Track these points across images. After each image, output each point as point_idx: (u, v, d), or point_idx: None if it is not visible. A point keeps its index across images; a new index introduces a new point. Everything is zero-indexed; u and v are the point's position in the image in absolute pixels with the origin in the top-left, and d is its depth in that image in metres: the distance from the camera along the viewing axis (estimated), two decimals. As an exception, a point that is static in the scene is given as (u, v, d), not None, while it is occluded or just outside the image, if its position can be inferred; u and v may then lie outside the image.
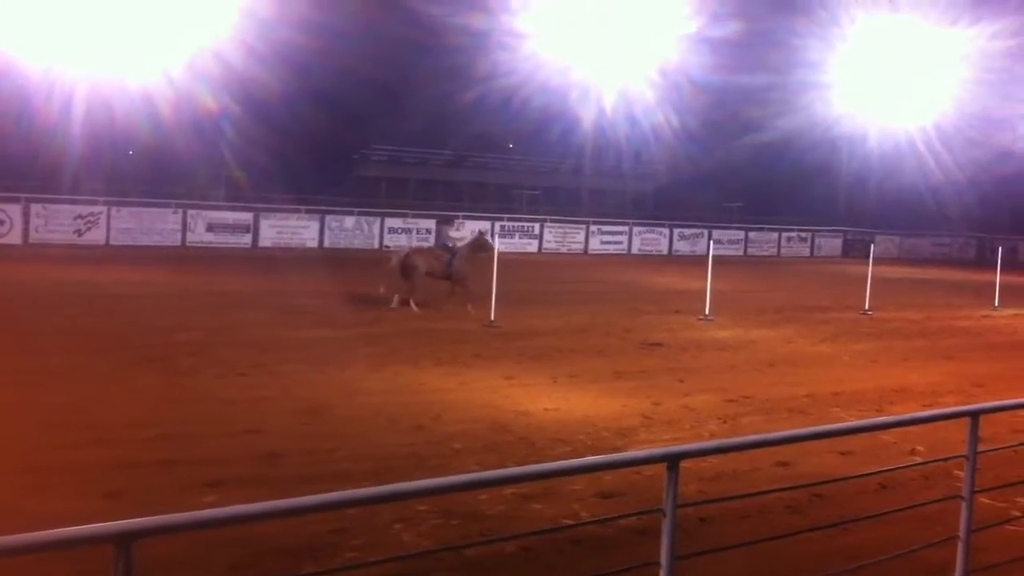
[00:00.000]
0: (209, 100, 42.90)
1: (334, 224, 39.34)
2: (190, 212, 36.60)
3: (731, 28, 48.35)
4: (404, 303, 20.30)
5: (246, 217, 37.94)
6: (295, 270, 27.59)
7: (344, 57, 44.96)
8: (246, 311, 19.08)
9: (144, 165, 45.59)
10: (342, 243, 38.83)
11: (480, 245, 22.15)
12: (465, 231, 41.76)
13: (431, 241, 29.34)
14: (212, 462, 8.78)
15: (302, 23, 41.88)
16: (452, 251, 21.41)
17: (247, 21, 40.20)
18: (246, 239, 37.25)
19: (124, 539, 3.08)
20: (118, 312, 18.09)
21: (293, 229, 38.57)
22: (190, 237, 36.10)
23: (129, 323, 16.78)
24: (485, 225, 41.90)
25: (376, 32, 46.13)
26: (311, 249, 37.58)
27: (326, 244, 38.53)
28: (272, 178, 43.85)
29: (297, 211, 39.60)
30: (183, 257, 31.61)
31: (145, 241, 34.71)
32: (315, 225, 39.00)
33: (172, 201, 37.04)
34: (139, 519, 3.13)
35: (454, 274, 21.13)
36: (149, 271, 25.98)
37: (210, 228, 36.71)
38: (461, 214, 43.58)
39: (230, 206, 39.44)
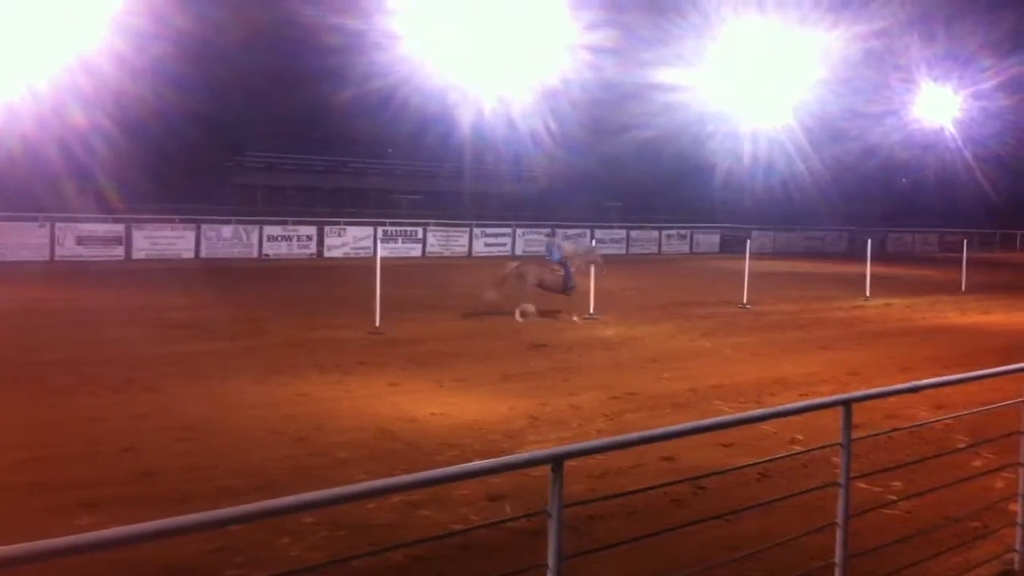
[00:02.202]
0: (77, 113, 41.45)
1: (211, 234, 38.41)
2: (58, 225, 35.30)
3: (606, 31, 48.96)
4: (519, 311, 20.63)
5: (117, 229, 36.78)
6: (171, 282, 26.85)
7: (215, 63, 44.00)
8: (120, 327, 18.46)
9: (8, 180, 43.75)
10: (220, 253, 37.94)
11: (591, 260, 22.34)
12: (348, 236, 41.45)
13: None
14: (86, 483, 8.48)
15: (173, 32, 40.84)
16: (565, 264, 21.47)
17: (116, 32, 39.02)
18: (118, 251, 36.12)
19: (-18, 570, 2.92)
20: (-17, 331, 17.32)
21: (168, 240, 37.54)
22: (59, 251, 34.83)
23: (-5, 342, 16.07)
24: (367, 231, 41.58)
25: (249, 39, 45.25)
26: (187, 260, 36.63)
27: (203, 254, 37.59)
28: (146, 189, 42.55)
29: (171, 221, 38.56)
30: (52, 272, 30.46)
31: (11, 257, 33.30)
32: (191, 235, 38.03)
33: (39, 215, 35.66)
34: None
35: (570, 288, 21.17)
36: (16, 287, 24.95)
37: (80, 241, 35.49)
38: (343, 220, 43.18)
39: (100, 218, 38.09)
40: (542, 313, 21.13)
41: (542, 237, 28.60)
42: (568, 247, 23.28)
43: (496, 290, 20.97)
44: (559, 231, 27.43)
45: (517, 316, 20.58)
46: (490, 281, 21.27)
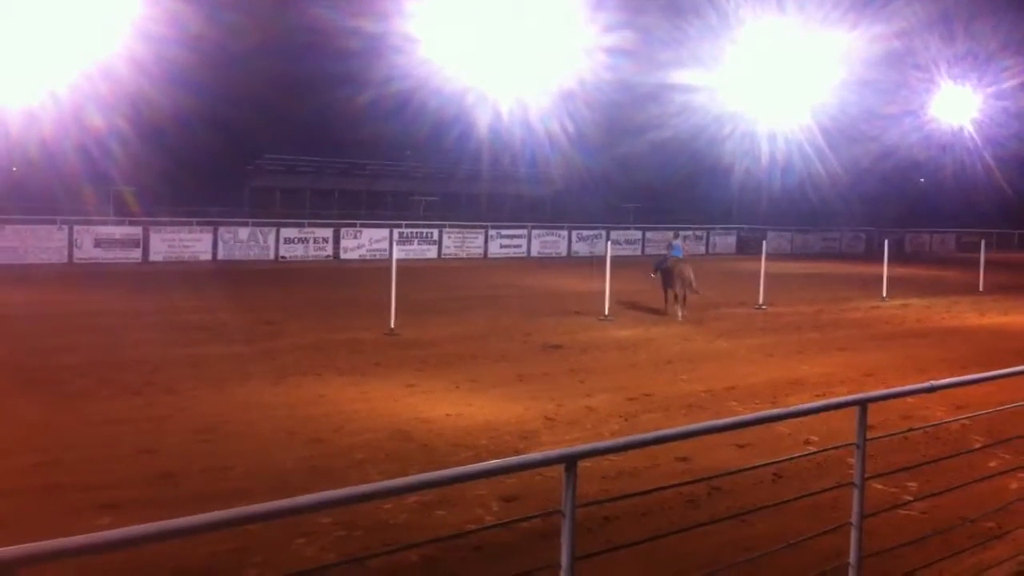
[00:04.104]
0: (96, 117, 41.71)
1: (227, 236, 38.48)
2: (76, 228, 35.46)
3: (623, 32, 48.97)
4: (674, 308, 22.26)
5: (135, 231, 36.91)
6: (188, 285, 26.99)
7: (233, 66, 44.23)
8: (138, 329, 18.56)
9: (28, 183, 44.07)
10: (237, 255, 38.02)
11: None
12: (364, 238, 41.56)
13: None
14: (106, 485, 8.54)
15: (191, 37, 41.03)
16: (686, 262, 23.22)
17: (134, 38, 39.25)
18: (136, 254, 36.26)
19: (7, 568, 2.95)
20: (2, 334, 17.43)
21: (185, 242, 37.65)
22: (77, 254, 34.99)
23: (14, 345, 16.16)
24: (383, 233, 41.67)
25: (266, 43, 45.45)
26: (204, 262, 36.76)
27: (220, 257, 37.68)
28: (163, 193, 42.77)
29: (188, 223, 38.71)
30: (71, 274, 30.64)
31: (31, 259, 33.48)
32: (208, 238, 38.13)
33: (58, 217, 35.86)
34: (24, 545, 2.99)
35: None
36: (35, 290, 25.13)
37: (98, 244, 35.64)
38: (359, 222, 43.30)
39: (118, 220, 38.27)
40: (644, 310, 23.06)
41: (667, 237, 30.22)
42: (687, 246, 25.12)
43: (682, 291, 22.33)
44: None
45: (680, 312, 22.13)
46: (679, 284, 22.32)
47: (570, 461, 4.19)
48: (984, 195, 65.29)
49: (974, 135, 67.74)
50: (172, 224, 38.22)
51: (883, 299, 27.06)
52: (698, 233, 53.60)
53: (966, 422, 10.39)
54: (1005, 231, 63.68)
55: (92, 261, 34.71)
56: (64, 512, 7.79)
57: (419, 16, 46.80)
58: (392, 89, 47.54)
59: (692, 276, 22.51)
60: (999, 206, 64.63)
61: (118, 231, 36.92)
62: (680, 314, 21.96)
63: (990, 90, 66.89)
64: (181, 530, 3.41)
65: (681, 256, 23.28)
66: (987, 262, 32.77)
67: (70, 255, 34.84)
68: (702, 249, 52.90)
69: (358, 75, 47.14)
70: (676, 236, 25.56)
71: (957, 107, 67.46)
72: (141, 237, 36.72)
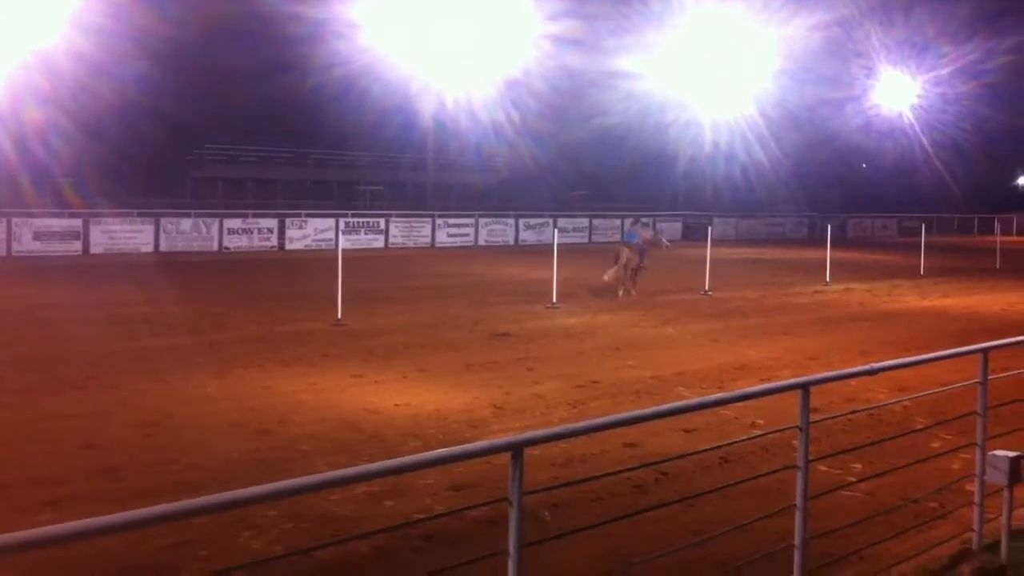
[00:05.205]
0: (34, 108, 40.95)
1: (170, 227, 37.94)
2: (15, 221, 34.77)
3: (568, 21, 49.06)
4: (627, 292, 23.25)
5: (75, 224, 36.28)
6: (130, 277, 26.55)
7: (173, 55, 43.65)
8: (80, 323, 18.20)
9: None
10: (180, 246, 37.52)
11: (655, 242, 25.59)
12: (309, 228, 41.22)
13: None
14: (48, 481, 8.39)
15: (131, 27, 40.42)
16: (641, 247, 24.13)
17: (74, 28, 38.55)
18: (76, 246, 35.63)
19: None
20: (-62, 330, 17.04)
21: (126, 234, 37.07)
22: (16, 247, 34.28)
23: (-49, 341, 15.81)
24: (329, 222, 41.38)
25: (208, 31, 44.89)
26: (146, 254, 36.20)
27: (162, 248, 37.14)
28: (104, 184, 42.08)
29: (129, 215, 38.11)
30: (9, 268, 30.02)
31: (-33, 254, 32.84)
32: (149, 229, 37.53)
33: (-5, 210, 35.16)
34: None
35: (642, 268, 23.86)
36: (-28, 285, 24.61)
37: (37, 237, 34.98)
38: (304, 212, 42.96)
39: (57, 212, 37.61)
40: (592, 297, 23.54)
41: (623, 223, 31.66)
42: (646, 233, 26.06)
43: (615, 273, 23.35)
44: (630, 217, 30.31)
45: (630, 293, 23.27)
46: (611, 265, 23.47)
47: (516, 449, 4.19)
48: (924, 180, 66.44)
49: (914, 121, 68.84)
50: (113, 216, 37.59)
51: (826, 283, 27.42)
52: (644, 220, 53.80)
53: (908, 404, 10.55)
54: (945, 215, 64.81)
55: (31, 254, 34.05)
56: (6, 510, 7.64)
57: (362, 2, 46.45)
58: (335, 76, 47.26)
59: (623, 259, 23.31)
60: (939, 191, 65.79)
61: (57, 224, 36.28)
62: (621, 292, 23.19)
63: (928, 76, 67.99)
64: (124, 524, 3.36)
65: (634, 241, 24.14)
66: (927, 246, 33.35)
67: (8, 248, 34.15)
68: (648, 236, 53.14)
69: (301, 62, 46.79)
70: (635, 222, 26.09)
71: (897, 94, 68.46)
72: (81, 229, 36.11)
